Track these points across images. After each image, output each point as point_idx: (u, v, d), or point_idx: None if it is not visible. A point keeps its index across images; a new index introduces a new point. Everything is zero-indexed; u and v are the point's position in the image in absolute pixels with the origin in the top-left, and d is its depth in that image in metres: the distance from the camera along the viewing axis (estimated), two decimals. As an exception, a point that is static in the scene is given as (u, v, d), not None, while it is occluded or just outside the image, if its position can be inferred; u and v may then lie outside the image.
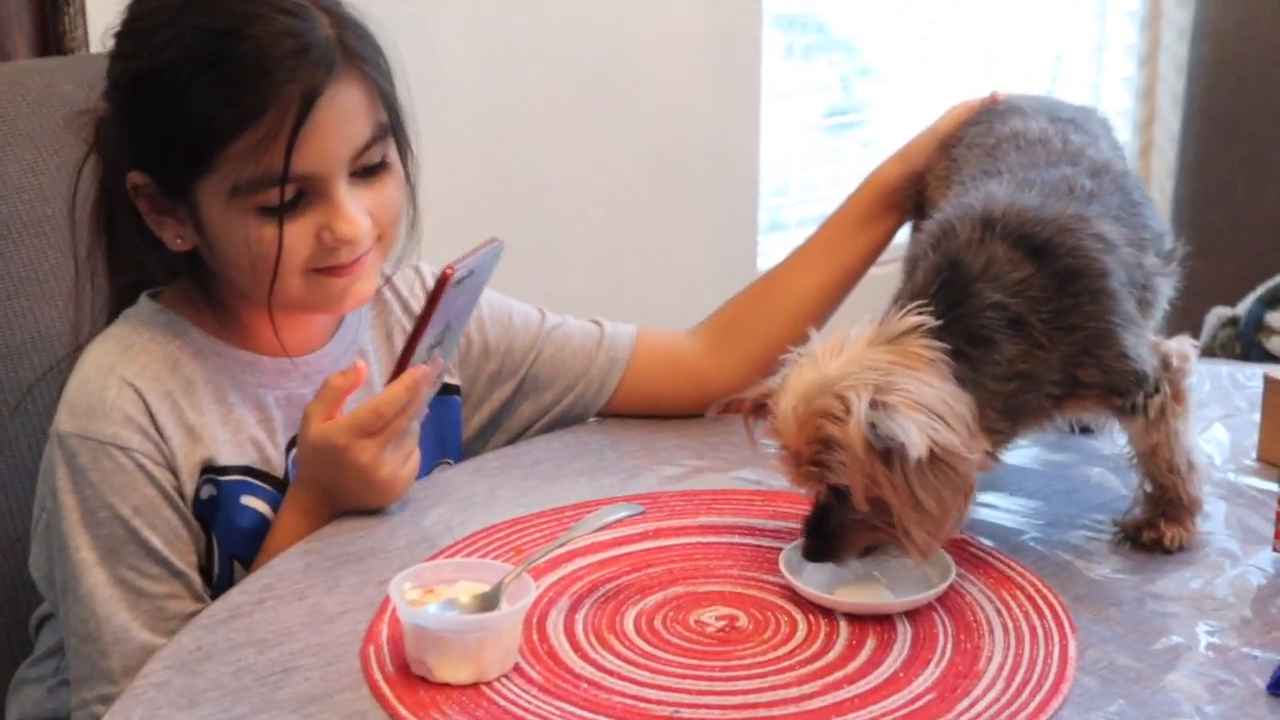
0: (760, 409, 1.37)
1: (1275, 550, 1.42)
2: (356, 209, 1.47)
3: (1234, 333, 2.69)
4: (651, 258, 2.95)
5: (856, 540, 1.34)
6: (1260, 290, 2.68)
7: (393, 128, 1.50)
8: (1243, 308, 2.66)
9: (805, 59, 3.28)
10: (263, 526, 1.52)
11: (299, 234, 1.45)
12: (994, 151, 1.59)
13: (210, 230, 1.47)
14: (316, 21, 1.44)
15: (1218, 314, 2.71)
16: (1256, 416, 1.70)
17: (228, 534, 1.51)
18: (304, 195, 1.45)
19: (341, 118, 1.45)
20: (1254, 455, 1.64)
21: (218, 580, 1.52)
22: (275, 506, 1.53)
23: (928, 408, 1.28)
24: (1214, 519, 1.51)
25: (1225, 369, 1.85)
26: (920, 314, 1.33)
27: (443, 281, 1.42)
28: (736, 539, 1.47)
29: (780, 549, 1.41)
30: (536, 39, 2.70)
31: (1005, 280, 1.38)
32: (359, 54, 1.47)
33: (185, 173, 1.45)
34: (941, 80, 3.36)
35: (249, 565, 1.52)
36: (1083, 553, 1.46)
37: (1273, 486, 1.55)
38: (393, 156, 1.51)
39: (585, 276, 2.86)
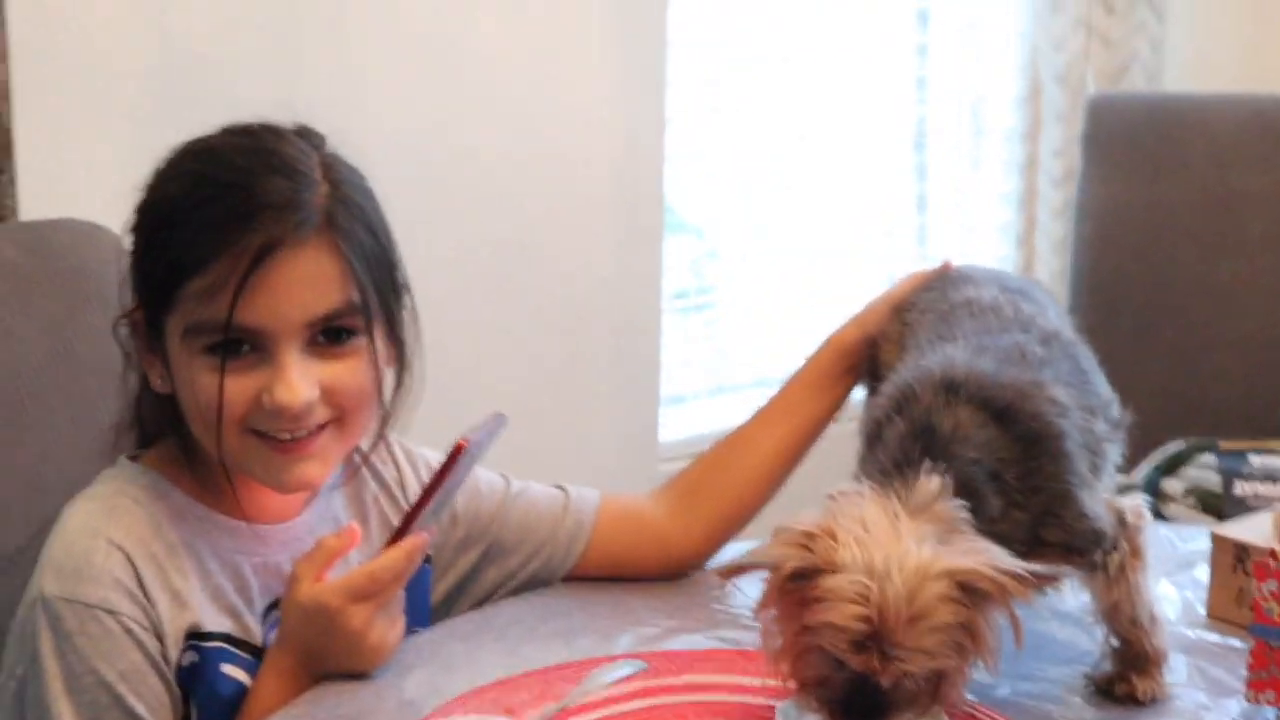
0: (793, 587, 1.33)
1: (1246, 700, 1.47)
2: (302, 377, 1.46)
3: (1130, 502, 2.77)
4: (556, 428, 2.97)
5: (908, 716, 1.35)
6: (1155, 459, 2.78)
7: (367, 309, 1.49)
8: (1139, 476, 2.75)
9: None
10: (242, 696, 1.50)
11: (240, 388, 1.45)
12: (948, 317, 1.64)
13: (173, 372, 1.49)
14: (311, 187, 1.47)
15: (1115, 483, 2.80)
16: (1194, 574, 1.76)
17: (208, 703, 1.49)
18: (254, 350, 1.45)
19: (301, 282, 1.45)
20: (1202, 612, 1.70)
21: (194, 750, 1.49)
22: (254, 675, 1.51)
23: None
24: (1177, 671, 1.56)
25: (1163, 530, 1.92)
26: (932, 479, 1.36)
27: (456, 453, 1.44)
28: (725, 696, 1.48)
29: (769, 705, 1.43)
30: (443, 217, 2.72)
31: (975, 440, 1.42)
32: (342, 228, 1.48)
33: (157, 307, 1.48)
34: (795, 263, 3.46)
35: (225, 734, 1.50)
36: (1062, 704, 1.50)
37: (1232, 641, 1.61)
38: (363, 338, 1.50)
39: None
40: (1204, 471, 2.76)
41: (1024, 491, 1.43)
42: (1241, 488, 2.73)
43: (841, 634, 1.30)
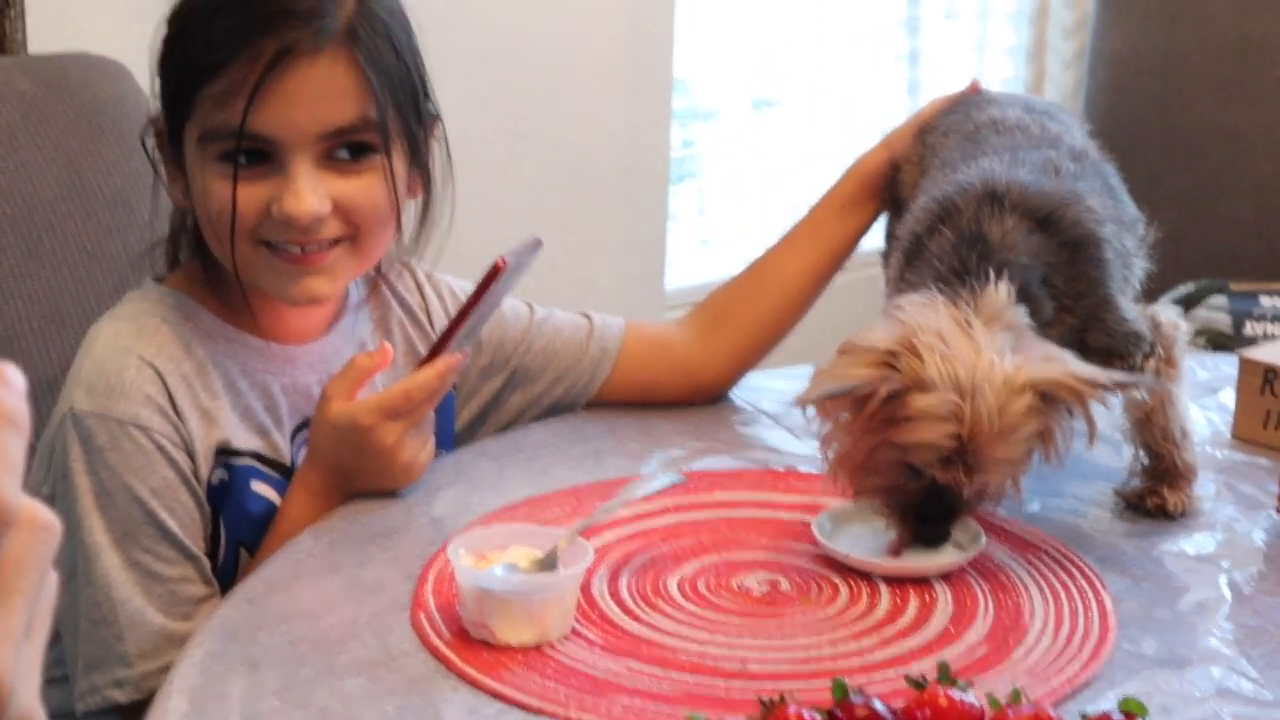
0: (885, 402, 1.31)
1: (1278, 513, 1.47)
2: (312, 189, 1.43)
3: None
4: (561, 270, 2.96)
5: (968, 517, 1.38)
6: (1166, 301, 2.77)
7: (385, 127, 1.45)
8: (1152, 316, 2.75)
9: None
10: (271, 514, 1.50)
11: (250, 197, 1.43)
12: (973, 137, 1.63)
13: (189, 182, 1.47)
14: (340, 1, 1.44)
15: (1127, 324, 2.80)
16: (1218, 399, 1.76)
17: (237, 520, 1.49)
18: (266, 160, 1.43)
19: (316, 92, 1.42)
20: (1228, 433, 1.70)
21: (222, 567, 1.49)
22: (283, 494, 1.51)
23: None
24: (1206, 487, 1.56)
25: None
26: (1000, 286, 1.36)
27: (495, 272, 1.42)
28: (756, 512, 1.48)
29: (802, 521, 1.43)
30: (458, 57, 2.71)
31: (1024, 246, 1.42)
32: (364, 42, 1.44)
33: (177, 113, 1.46)
34: (820, 109, 3.42)
35: (254, 552, 1.50)
36: (1093, 519, 1.50)
37: (1260, 460, 1.61)
38: (379, 157, 1.46)
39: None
40: (1214, 313, 2.76)
41: (1071, 296, 1.43)
42: (1251, 328, 2.73)
43: (931, 451, 1.30)
